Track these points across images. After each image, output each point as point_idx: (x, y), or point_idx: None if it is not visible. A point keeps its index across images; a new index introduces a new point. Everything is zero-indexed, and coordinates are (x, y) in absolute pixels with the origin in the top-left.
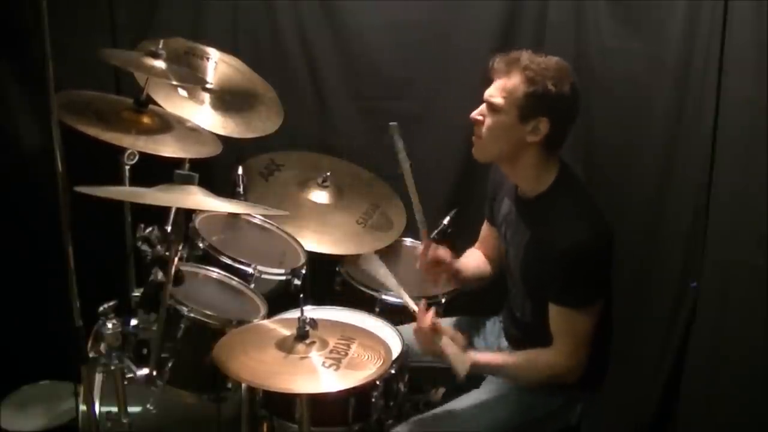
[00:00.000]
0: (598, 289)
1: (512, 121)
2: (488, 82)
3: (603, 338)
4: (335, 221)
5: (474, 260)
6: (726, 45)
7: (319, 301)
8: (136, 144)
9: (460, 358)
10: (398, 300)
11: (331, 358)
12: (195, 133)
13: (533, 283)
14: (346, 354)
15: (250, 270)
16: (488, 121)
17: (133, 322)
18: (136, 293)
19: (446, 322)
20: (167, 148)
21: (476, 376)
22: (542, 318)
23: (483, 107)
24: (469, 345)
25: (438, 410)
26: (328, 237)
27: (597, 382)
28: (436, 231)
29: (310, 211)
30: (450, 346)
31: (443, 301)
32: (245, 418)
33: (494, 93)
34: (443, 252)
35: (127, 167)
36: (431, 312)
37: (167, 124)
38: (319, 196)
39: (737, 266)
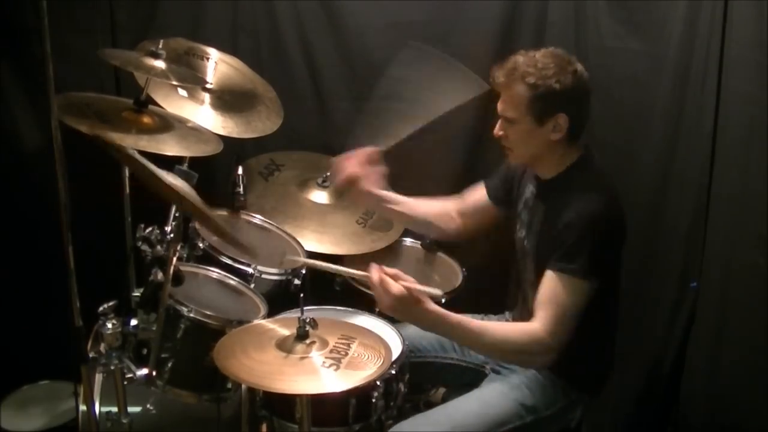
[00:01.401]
0: (596, 263)
1: (530, 127)
2: (497, 95)
3: (606, 343)
4: (335, 221)
5: (430, 206)
6: (726, 45)
7: (319, 301)
8: (138, 144)
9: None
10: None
11: (331, 358)
12: (196, 132)
13: (545, 262)
14: (346, 354)
15: (250, 270)
16: (510, 133)
17: (133, 322)
18: (136, 293)
19: None
20: (169, 147)
21: (478, 375)
22: None
23: (501, 121)
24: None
25: (438, 410)
26: (328, 237)
27: (599, 386)
28: None
29: (310, 211)
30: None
31: (443, 301)
32: (245, 418)
33: (504, 107)
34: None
35: (127, 167)
36: (376, 266)
37: (168, 124)
38: (319, 196)
39: (737, 266)
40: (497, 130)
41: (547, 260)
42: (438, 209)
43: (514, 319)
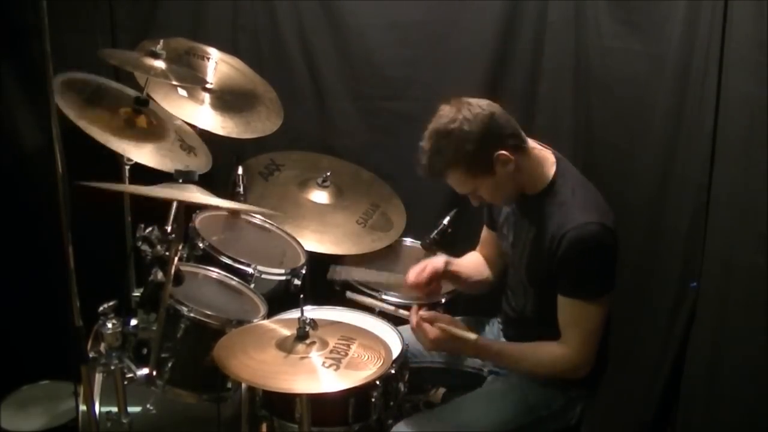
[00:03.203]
0: (608, 280)
1: (489, 181)
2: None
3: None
4: (335, 221)
5: (472, 260)
6: (726, 45)
7: (319, 301)
8: (125, 148)
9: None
10: (399, 300)
11: (331, 359)
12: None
13: (539, 281)
14: (346, 354)
15: (250, 270)
16: (482, 195)
17: (133, 322)
18: (136, 293)
19: None
20: (152, 158)
21: (476, 378)
22: (544, 317)
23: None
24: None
25: (439, 409)
26: (328, 237)
27: (596, 381)
28: (436, 231)
29: (310, 211)
30: (451, 326)
31: (443, 301)
32: (245, 418)
33: (458, 188)
34: (436, 263)
35: (127, 167)
36: (415, 309)
37: (162, 133)
38: (319, 196)
39: (737, 266)
40: (473, 202)
41: (540, 278)
42: (476, 260)
43: (503, 324)
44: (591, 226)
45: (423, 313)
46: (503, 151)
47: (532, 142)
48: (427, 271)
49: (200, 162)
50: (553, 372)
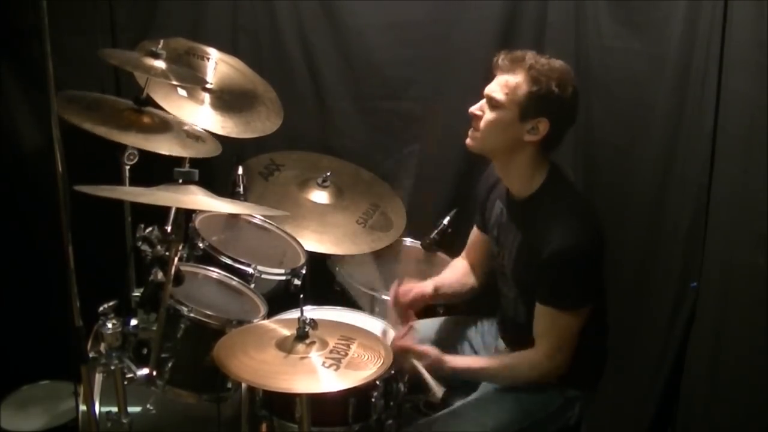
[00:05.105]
0: (586, 292)
1: (512, 118)
2: (489, 78)
3: (598, 338)
4: (335, 221)
5: (456, 273)
6: (726, 45)
7: (319, 301)
8: (135, 141)
9: (437, 368)
10: None
11: (330, 358)
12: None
13: (525, 285)
14: (346, 354)
15: (250, 270)
16: (487, 115)
17: (133, 322)
18: (136, 293)
19: (444, 320)
20: (166, 146)
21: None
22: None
23: (483, 102)
24: (452, 349)
25: (438, 414)
26: (328, 237)
27: (594, 381)
28: (436, 231)
29: (310, 211)
30: (422, 365)
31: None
32: (245, 418)
33: (496, 89)
34: (424, 288)
35: (127, 167)
36: (403, 332)
37: (167, 126)
38: (319, 196)
39: (737, 266)
40: (475, 109)
41: (526, 284)
42: (461, 271)
43: (499, 325)
44: (571, 239)
45: (414, 346)
46: (547, 124)
47: None
48: (410, 295)
49: (209, 147)
50: (527, 379)
